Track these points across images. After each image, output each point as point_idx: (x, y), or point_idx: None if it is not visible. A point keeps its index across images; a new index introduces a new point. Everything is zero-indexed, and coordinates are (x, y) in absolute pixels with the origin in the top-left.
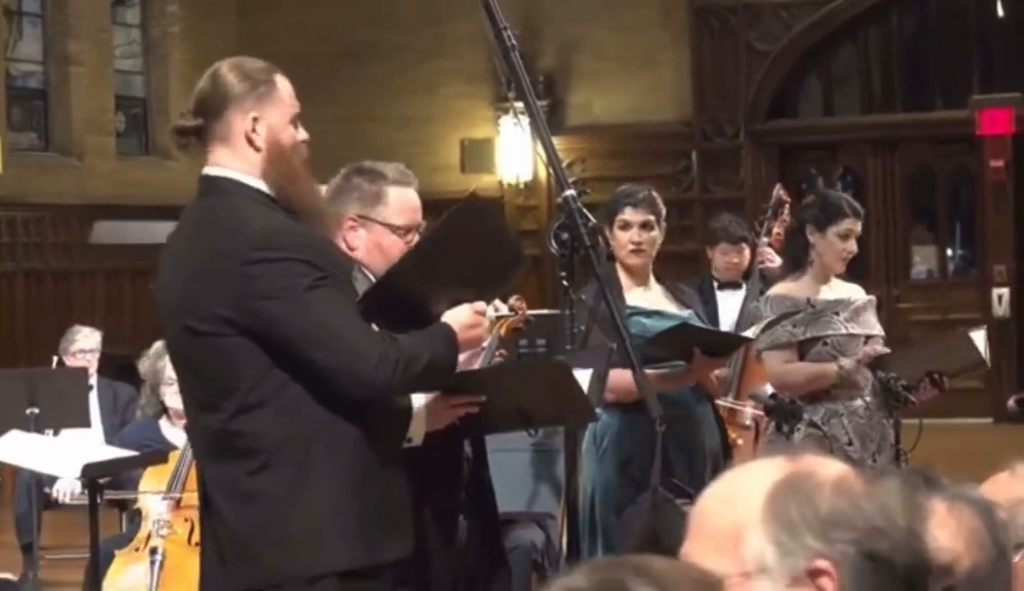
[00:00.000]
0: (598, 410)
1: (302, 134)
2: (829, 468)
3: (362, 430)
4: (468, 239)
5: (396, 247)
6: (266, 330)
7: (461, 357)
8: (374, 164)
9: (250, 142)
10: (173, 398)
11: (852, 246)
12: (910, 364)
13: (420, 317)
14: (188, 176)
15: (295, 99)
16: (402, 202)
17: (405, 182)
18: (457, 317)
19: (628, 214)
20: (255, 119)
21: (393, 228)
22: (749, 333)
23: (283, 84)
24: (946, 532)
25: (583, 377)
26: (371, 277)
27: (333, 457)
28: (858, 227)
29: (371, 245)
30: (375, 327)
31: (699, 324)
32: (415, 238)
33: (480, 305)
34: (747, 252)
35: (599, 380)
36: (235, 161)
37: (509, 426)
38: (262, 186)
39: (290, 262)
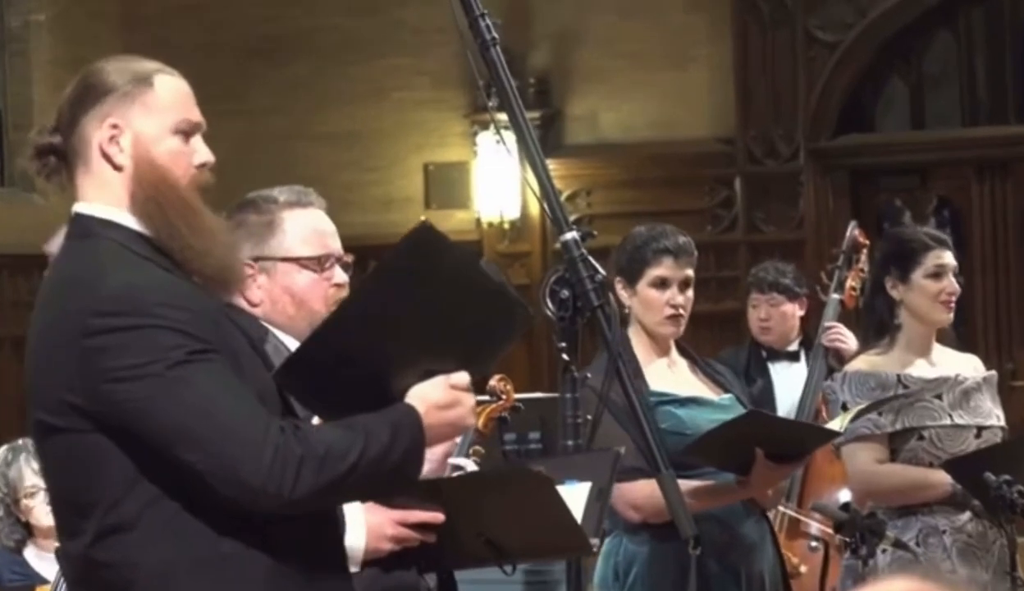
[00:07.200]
0: (594, 541)
1: (201, 154)
2: None
3: (272, 556)
4: (429, 281)
5: (314, 287)
6: (124, 423)
7: (434, 454)
8: (261, 191)
9: (107, 158)
10: (40, 513)
11: (951, 285)
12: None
13: (377, 397)
14: (58, 214)
15: (188, 104)
16: (304, 226)
17: (304, 203)
18: (425, 394)
19: (667, 268)
20: (114, 127)
21: (299, 261)
22: (833, 425)
23: (166, 83)
24: None
25: (578, 494)
26: (284, 340)
27: None
28: (949, 258)
29: (277, 293)
30: (307, 412)
31: (768, 414)
32: (336, 272)
33: (460, 378)
34: (789, 308)
35: (600, 497)
36: (101, 191)
37: (473, 560)
38: (137, 225)
39: (151, 330)
